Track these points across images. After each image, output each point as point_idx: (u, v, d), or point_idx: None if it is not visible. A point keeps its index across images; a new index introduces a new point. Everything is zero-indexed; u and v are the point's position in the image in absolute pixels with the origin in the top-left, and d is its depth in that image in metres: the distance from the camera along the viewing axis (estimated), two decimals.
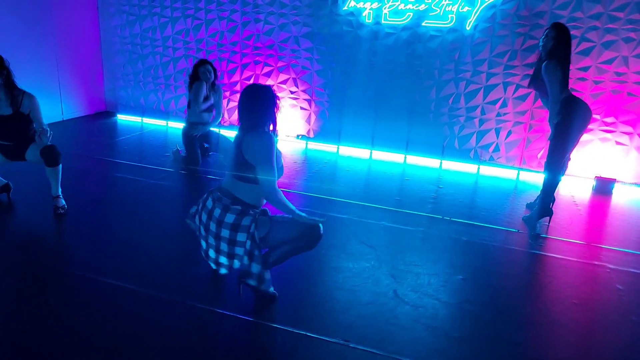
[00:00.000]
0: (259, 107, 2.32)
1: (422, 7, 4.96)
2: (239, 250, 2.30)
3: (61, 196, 3.34)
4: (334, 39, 5.43)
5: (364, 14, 5.20)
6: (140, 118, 6.50)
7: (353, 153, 5.55)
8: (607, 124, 4.77)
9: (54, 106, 6.03)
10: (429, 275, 2.83)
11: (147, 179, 4.17)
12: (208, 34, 5.95)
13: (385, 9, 5.09)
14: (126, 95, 6.64)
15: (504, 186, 4.78)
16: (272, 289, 2.45)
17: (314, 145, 5.75)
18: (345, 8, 5.27)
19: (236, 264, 2.33)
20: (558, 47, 3.45)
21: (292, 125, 5.86)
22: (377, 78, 5.37)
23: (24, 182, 3.82)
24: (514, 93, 4.97)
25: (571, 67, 4.66)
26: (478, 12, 4.81)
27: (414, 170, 5.10)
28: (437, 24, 4.99)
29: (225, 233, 2.27)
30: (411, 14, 5.03)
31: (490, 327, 2.38)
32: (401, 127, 5.42)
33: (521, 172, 5.10)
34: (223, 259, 2.33)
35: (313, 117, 5.80)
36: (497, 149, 5.21)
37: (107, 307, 2.35)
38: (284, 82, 5.76)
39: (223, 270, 2.38)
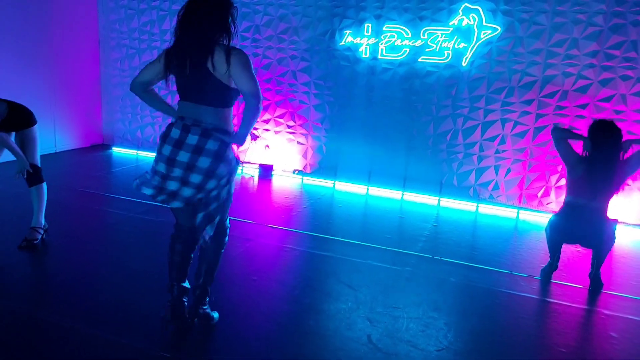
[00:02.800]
0: (216, 14, 2.15)
1: (419, 42, 5.10)
2: (212, 184, 2.18)
3: (40, 228, 3.40)
4: (331, 74, 5.56)
5: (360, 49, 5.35)
6: (135, 151, 6.64)
7: (350, 189, 5.58)
8: None
9: (47, 137, 6.19)
10: (408, 319, 2.79)
11: (127, 212, 4.22)
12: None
13: (381, 44, 5.24)
14: (123, 127, 6.82)
15: (502, 225, 4.74)
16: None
17: (310, 181, 5.80)
18: (343, 43, 5.43)
19: (197, 196, 2.18)
20: None
21: (288, 160, 5.94)
22: (375, 113, 5.46)
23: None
24: (512, 130, 5.00)
25: (569, 104, 4.73)
26: (474, 49, 4.92)
27: (411, 207, 5.10)
28: (433, 59, 5.10)
29: (203, 163, 2.13)
30: (408, 49, 5.16)
31: None
32: (399, 163, 5.46)
33: (521, 211, 5.06)
34: (187, 191, 2.16)
35: (310, 152, 5.88)
36: (496, 187, 5.20)
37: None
38: (281, 116, 5.88)
39: (176, 204, 2.21)
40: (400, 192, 5.45)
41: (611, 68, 4.55)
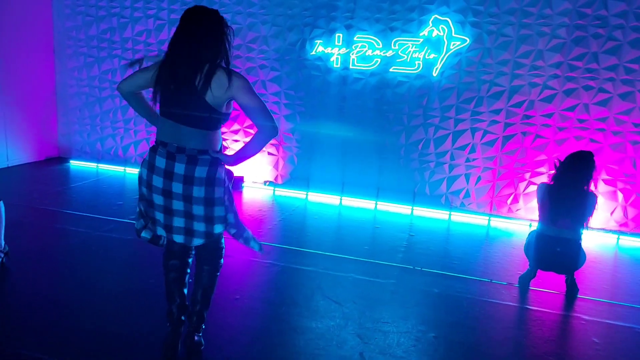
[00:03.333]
0: (212, 36, 2.06)
1: (390, 53, 5.14)
2: (219, 211, 2.12)
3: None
4: (302, 84, 5.52)
5: (332, 59, 5.33)
6: (95, 164, 6.34)
7: (322, 200, 5.53)
8: None
9: None
10: (399, 333, 2.76)
11: (93, 230, 3.99)
12: None
13: (353, 54, 5.24)
14: (81, 140, 6.50)
15: (476, 233, 4.82)
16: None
17: (282, 192, 5.71)
18: (313, 53, 5.39)
19: (218, 228, 2.13)
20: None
21: (259, 172, 5.83)
22: (347, 123, 5.45)
23: None
24: (481, 139, 5.11)
25: (535, 113, 4.89)
26: (444, 59, 5.01)
27: (385, 217, 5.10)
28: (404, 70, 5.15)
29: (198, 192, 2.06)
30: (379, 59, 5.19)
31: None
32: (371, 173, 5.46)
33: (492, 218, 5.17)
34: (199, 225, 2.11)
35: (281, 163, 5.79)
36: (467, 195, 5.29)
37: None
38: (251, 126, 5.77)
39: (198, 241, 2.15)
40: (374, 202, 5.45)
41: (574, 79, 4.74)
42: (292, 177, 5.78)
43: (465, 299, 3.27)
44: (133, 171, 6.16)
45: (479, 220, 5.19)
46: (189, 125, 2.09)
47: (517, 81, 4.89)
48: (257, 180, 5.86)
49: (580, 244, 3.35)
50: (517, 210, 5.16)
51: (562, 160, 3.42)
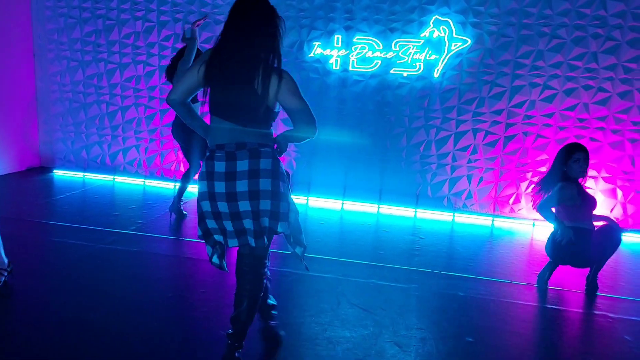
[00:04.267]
0: (265, 32, 2.00)
1: (390, 54, 5.11)
2: (284, 207, 2.04)
3: (2, 269, 2.92)
4: (300, 86, 5.40)
5: (330, 61, 5.27)
6: (82, 173, 6.07)
7: (324, 204, 5.43)
8: None
9: None
10: (435, 339, 2.69)
11: (95, 243, 3.79)
12: (162, 81, 5.77)
13: (352, 56, 5.19)
14: (65, 148, 6.22)
15: (482, 234, 4.83)
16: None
17: None
18: (312, 55, 5.31)
19: (282, 227, 2.03)
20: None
21: None
22: (347, 125, 5.38)
23: None
24: (483, 139, 5.13)
25: (536, 113, 4.94)
26: (445, 60, 5.01)
27: (389, 220, 5.06)
28: (405, 71, 5.13)
29: (265, 185, 1.98)
30: (379, 61, 5.15)
31: None
32: (373, 176, 5.41)
33: (495, 218, 5.19)
34: (264, 221, 2.02)
35: None
36: (469, 196, 5.30)
37: None
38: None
39: (262, 243, 2.06)
40: (377, 206, 5.40)
41: (574, 78, 4.82)
42: (290, 182, 5.65)
43: (491, 301, 3.24)
44: (123, 180, 5.93)
45: (483, 221, 5.20)
46: (248, 125, 2.04)
47: (518, 81, 4.94)
48: None
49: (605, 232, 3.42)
50: (519, 210, 5.20)
51: (569, 153, 3.47)
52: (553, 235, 3.47)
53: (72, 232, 4.02)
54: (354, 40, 5.18)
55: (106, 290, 3.01)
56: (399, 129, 5.31)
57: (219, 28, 5.47)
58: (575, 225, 3.39)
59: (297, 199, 5.51)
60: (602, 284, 3.58)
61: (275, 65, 2.05)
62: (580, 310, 3.22)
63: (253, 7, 2.03)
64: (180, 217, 4.53)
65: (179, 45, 5.61)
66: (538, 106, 4.95)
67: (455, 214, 5.27)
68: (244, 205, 2.03)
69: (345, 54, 5.22)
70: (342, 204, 5.45)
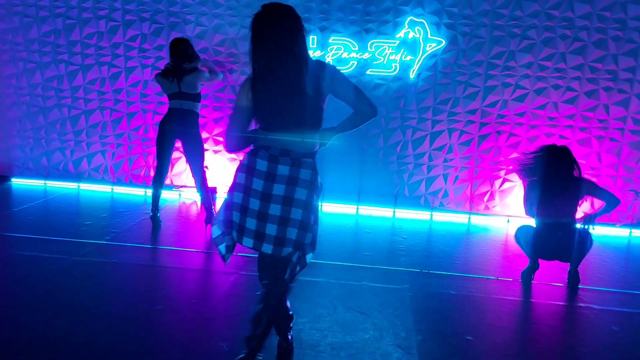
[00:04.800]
0: (297, 32, 2.01)
1: (366, 55, 5.12)
2: (313, 219, 2.08)
3: None
4: None
5: None
6: (42, 182, 5.74)
7: None
8: None
9: None
10: (436, 339, 2.71)
11: (69, 255, 3.59)
12: (129, 83, 5.55)
13: (328, 57, 5.17)
14: (23, 155, 5.87)
15: (461, 231, 4.93)
16: None
17: None
18: None
19: (309, 237, 2.06)
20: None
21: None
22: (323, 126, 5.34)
23: None
24: (458, 139, 5.24)
25: (508, 112, 5.08)
26: (420, 61, 5.08)
27: (368, 221, 5.07)
28: (381, 72, 5.16)
29: (300, 194, 2.01)
30: (355, 62, 5.16)
31: None
32: (352, 177, 5.41)
33: (471, 216, 5.31)
34: (292, 232, 2.02)
35: None
36: (446, 195, 5.39)
37: None
38: (221, 134, 5.51)
39: (287, 250, 2.05)
40: (355, 207, 5.40)
41: (544, 78, 5.00)
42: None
43: (483, 298, 3.30)
44: (88, 187, 5.66)
45: (459, 218, 5.31)
46: (297, 130, 2.06)
47: (491, 81, 5.07)
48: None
49: (581, 227, 3.52)
50: (494, 207, 5.34)
51: (532, 154, 3.59)
52: (528, 232, 3.56)
53: (43, 244, 3.78)
54: (330, 41, 5.16)
55: (90, 306, 2.85)
56: (375, 130, 5.34)
57: (189, 28, 5.34)
58: (555, 221, 3.50)
59: None
60: (581, 277, 3.71)
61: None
62: (567, 304, 3.33)
63: (284, 17, 2.01)
64: (156, 224, 4.36)
65: (147, 46, 5.43)
66: (510, 105, 5.10)
67: (433, 213, 5.35)
68: (275, 209, 2.03)
69: (321, 54, 5.19)
70: (321, 206, 5.42)
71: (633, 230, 5.06)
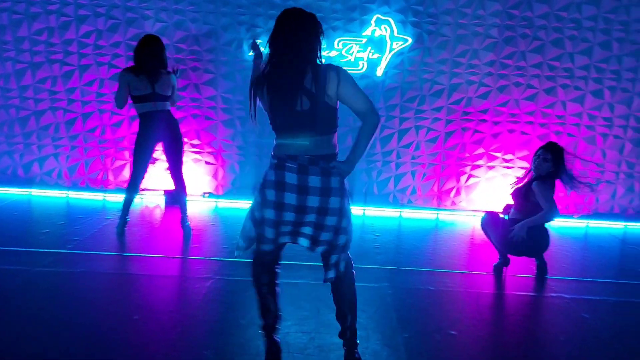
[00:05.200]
0: (313, 43, 2.13)
1: (333, 53, 5.12)
2: (346, 222, 2.15)
3: None
4: (240, 87, 5.25)
5: None
6: None
7: None
8: (506, 161, 5.38)
9: None
10: (420, 335, 2.75)
11: (30, 266, 3.37)
12: (83, 82, 5.28)
13: None
14: None
15: (430, 227, 5.04)
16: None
17: (225, 204, 5.38)
18: (251, 54, 5.15)
19: (342, 239, 2.14)
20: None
21: (196, 183, 5.41)
22: None
23: None
24: (425, 136, 5.33)
25: (473, 109, 5.22)
26: (387, 59, 5.13)
27: None
28: (349, 70, 5.16)
29: (334, 203, 2.07)
30: (323, 60, 5.12)
31: None
32: None
33: (439, 212, 5.43)
34: (326, 235, 2.11)
35: (221, 172, 5.46)
36: (414, 192, 5.48)
37: None
38: (185, 134, 5.32)
39: (321, 249, 2.16)
40: None
41: (506, 76, 5.17)
42: (234, 186, 5.48)
43: (460, 292, 3.37)
44: (41, 193, 5.35)
45: (428, 215, 5.41)
46: (317, 134, 2.08)
47: (456, 79, 5.20)
48: (194, 192, 5.44)
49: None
50: (460, 202, 5.48)
51: (547, 155, 3.63)
52: (497, 228, 3.65)
53: (1, 255, 3.54)
54: None
55: (62, 319, 2.68)
56: (344, 129, 5.29)
57: (148, 24, 5.14)
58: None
59: (242, 204, 5.36)
60: (548, 267, 3.87)
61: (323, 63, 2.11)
62: (539, 294, 3.46)
63: (304, 22, 2.14)
64: (122, 231, 4.15)
65: (102, 43, 5.19)
66: (474, 103, 5.24)
67: (402, 210, 5.43)
68: (311, 217, 2.11)
69: None
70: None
71: (590, 222, 5.34)
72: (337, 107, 2.13)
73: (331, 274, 2.21)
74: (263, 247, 2.20)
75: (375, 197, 5.46)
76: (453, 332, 2.80)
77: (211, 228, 4.63)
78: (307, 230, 2.15)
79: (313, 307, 3.02)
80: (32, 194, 5.36)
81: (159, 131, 3.95)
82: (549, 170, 3.59)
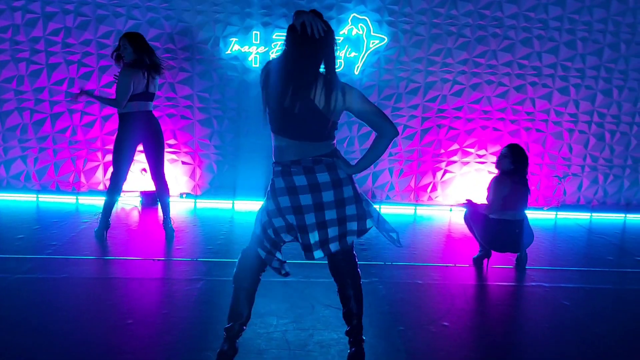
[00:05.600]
0: (327, 51, 2.09)
1: None
2: (367, 204, 2.22)
3: None
4: (217, 85, 5.21)
5: (249, 59, 5.14)
6: None
7: (251, 207, 5.30)
8: (479, 156, 5.57)
9: None
10: (415, 328, 2.82)
11: (9, 274, 3.24)
12: (51, 82, 5.10)
13: (272, 53, 5.12)
14: None
15: (409, 222, 5.15)
16: None
17: (204, 204, 5.33)
18: (229, 52, 5.13)
19: (369, 223, 2.21)
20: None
21: (173, 183, 5.32)
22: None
23: None
24: (402, 133, 5.44)
25: (447, 107, 5.37)
26: (364, 58, 5.20)
27: None
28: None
29: (348, 192, 2.14)
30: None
31: None
32: None
33: (417, 207, 5.55)
34: (352, 225, 2.17)
35: (198, 172, 5.39)
36: (392, 188, 5.59)
37: None
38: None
39: (350, 239, 2.20)
40: None
41: (478, 74, 5.34)
42: (213, 186, 5.43)
43: (446, 285, 3.48)
44: (8, 197, 5.14)
45: (406, 210, 5.53)
46: (313, 140, 2.12)
47: (431, 77, 5.33)
48: (172, 193, 5.34)
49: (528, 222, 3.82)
50: (437, 197, 5.63)
51: (507, 152, 3.78)
52: (481, 224, 3.77)
53: None
54: (274, 37, 5.12)
55: (51, 328, 2.60)
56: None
57: (120, 21, 5.00)
58: (504, 218, 3.71)
59: (221, 204, 5.33)
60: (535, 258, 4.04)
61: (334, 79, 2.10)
62: (520, 284, 3.61)
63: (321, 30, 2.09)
64: (102, 237, 4.03)
65: (72, 41, 5.02)
66: (449, 100, 5.39)
67: (381, 206, 5.52)
68: (331, 214, 2.14)
69: (265, 50, 5.13)
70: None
71: (558, 213, 5.59)
72: (338, 120, 2.18)
73: (334, 247, 2.19)
74: (277, 255, 2.26)
75: None
76: (445, 324, 2.89)
77: (193, 229, 4.58)
78: (333, 232, 2.17)
79: (307, 304, 3.04)
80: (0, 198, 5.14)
81: (142, 131, 3.87)
82: (510, 167, 3.71)
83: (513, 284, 3.60)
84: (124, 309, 2.86)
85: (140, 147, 4.06)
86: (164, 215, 4.15)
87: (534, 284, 3.60)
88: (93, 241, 3.98)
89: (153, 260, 3.67)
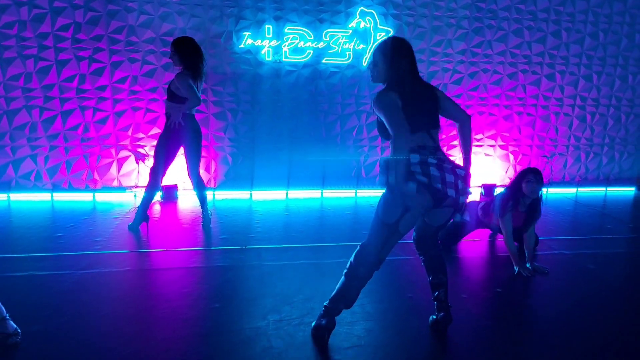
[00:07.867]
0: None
1: (321, 44, 5.26)
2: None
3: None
4: (231, 79, 5.22)
5: (262, 52, 5.19)
6: None
7: (268, 196, 5.38)
8: (476, 140, 5.88)
9: None
10: (385, 302, 2.93)
11: (72, 270, 3.20)
12: (61, 78, 4.95)
13: (284, 46, 5.19)
14: None
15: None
16: None
17: (221, 195, 5.35)
18: (242, 46, 5.15)
19: (463, 198, 2.47)
20: None
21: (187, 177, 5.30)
22: (283, 117, 5.39)
23: None
24: None
25: (448, 94, 5.61)
26: (372, 50, 5.35)
27: (332, 202, 5.30)
28: (336, 60, 5.35)
29: (460, 171, 2.43)
30: (311, 51, 5.26)
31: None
32: (314, 163, 5.54)
33: None
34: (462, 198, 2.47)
35: (213, 165, 5.40)
36: None
37: None
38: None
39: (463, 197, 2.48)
40: (320, 191, 5.56)
41: (475, 63, 5.64)
42: (228, 178, 5.46)
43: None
44: (20, 197, 4.97)
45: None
46: (434, 127, 2.54)
47: (433, 67, 5.57)
48: (188, 186, 5.34)
49: None
50: None
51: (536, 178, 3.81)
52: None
53: (33, 262, 3.30)
54: (285, 30, 5.18)
55: (122, 313, 2.63)
56: (332, 117, 5.53)
57: (132, 16, 4.92)
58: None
59: (238, 195, 5.39)
60: (536, 231, 4.35)
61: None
62: (543, 253, 3.91)
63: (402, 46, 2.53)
64: (135, 230, 4.03)
65: (82, 36, 4.89)
66: (449, 88, 5.66)
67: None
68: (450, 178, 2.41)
69: (277, 44, 5.19)
70: (287, 193, 5.48)
71: (548, 189, 6.00)
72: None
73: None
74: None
75: (364, 180, 5.72)
76: (409, 295, 2.99)
77: (225, 219, 4.60)
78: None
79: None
80: (11, 199, 4.96)
81: (187, 132, 3.94)
82: (536, 196, 3.59)
83: (538, 253, 3.90)
84: (204, 295, 2.92)
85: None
86: (202, 207, 4.20)
87: (556, 252, 3.92)
88: (131, 235, 3.96)
89: (206, 249, 3.70)
